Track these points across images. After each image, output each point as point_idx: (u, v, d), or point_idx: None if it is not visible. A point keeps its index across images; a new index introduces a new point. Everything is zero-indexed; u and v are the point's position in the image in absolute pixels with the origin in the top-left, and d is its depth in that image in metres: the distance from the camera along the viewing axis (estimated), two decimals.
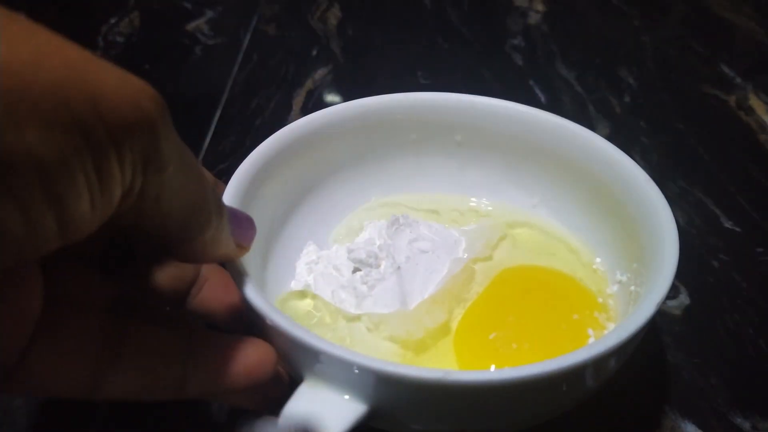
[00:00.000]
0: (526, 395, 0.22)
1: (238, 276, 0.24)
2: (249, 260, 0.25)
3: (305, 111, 0.49)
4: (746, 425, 0.29)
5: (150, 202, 0.17)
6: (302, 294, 0.31)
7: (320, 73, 0.55)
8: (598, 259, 0.32)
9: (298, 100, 0.51)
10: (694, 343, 0.33)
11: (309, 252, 0.32)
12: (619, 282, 0.30)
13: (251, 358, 0.22)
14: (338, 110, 0.33)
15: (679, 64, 0.56)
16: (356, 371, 0.21)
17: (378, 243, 0.32)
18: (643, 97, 0.52)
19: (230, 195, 0.27)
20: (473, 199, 0.36)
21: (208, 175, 0.26)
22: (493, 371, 0.21)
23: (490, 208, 0.36)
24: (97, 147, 0.14)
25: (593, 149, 0.31)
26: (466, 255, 0.32)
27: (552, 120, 0.33)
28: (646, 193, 0.28)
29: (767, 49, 0.59)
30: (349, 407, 0.22)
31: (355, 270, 0.31)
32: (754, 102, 0.50)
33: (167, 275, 0.26)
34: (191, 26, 0.61)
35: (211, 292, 0.27)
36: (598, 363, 0.22)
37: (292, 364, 0.24)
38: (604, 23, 0.63)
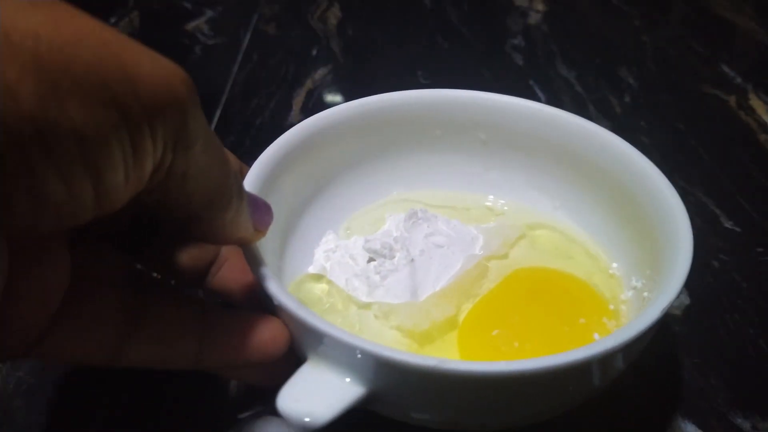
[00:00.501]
0: (518, 390, 0.22)
1: (252, 257, 0.25)
2: (266, 244, 0.26)
3: (305, 111, 0.49)
4: (746, 425, 0.29)
5: (177, 180, 0.18)
6: (318, 277, 0.31)
7: (320, 73, 0.55)
8: (614, 264, 0.32)
9: (298, 100, 0.51)
10: (694, 343, 0.33)
11: (328, 240, 0.33)
12: (634, 288, 0.30)
13: (265, 334, 0.24)
14: (364, 103, 0.33)
15: (679, 64, 0.56)
16: (355, 354, 0.22)
17: (394, 235, 0.32)
18: (643, 97, 0.52)
19: (251, 179, 0.28)
20: (494, 198, 0.36)
21: (233, 158, 0.27)
22: (485, 363, 0.21)
23: (510, 207, 0.36)
24: (133, 123, 0.15)
25: (617, 154, 0.31)
26: (482, 252, 0.32)
27: (578, 123, 0.32)
28: (666, 200, 0.28)
29: (767, 49, 0.59)
30: (347, 389, 0.22)
31: (370, 260, 0.32)
32: (754, 102, 0.50)
33: (188, 254, 0.27)
34: (191, 26, 0.61)
35: (229, 273, 0.28)
36: (589, 365, 0.22)
37: (295, 344, 0.24)
38: (604, 23, 0.63)
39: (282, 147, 0.30)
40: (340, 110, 0.33)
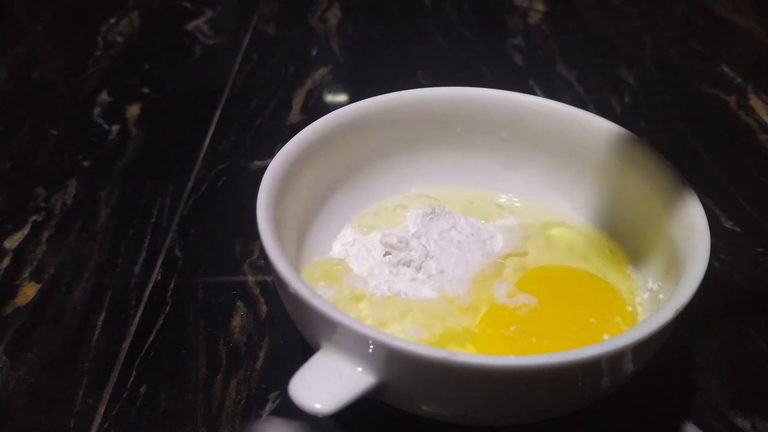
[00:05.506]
0: (527, 385, 0.23)
1: (269, 246, 0.25)
2: (285, 235, 0.26)
3: (305, 111, 0.49)
4: (746, 425, 0.29)
5: None
6: (333, 262, 0.32)
7: (320, 73, 0.55)
8: (631, 266, 0.32)
9: (298, 100, 0.51)
10: (694, 343, 0.32)
11: (345, 234, 0.34)
12: (650, 290, 0.30)
13: None
14: (385, 100, 0.34)
15: (679, 64, 0.56)
16: (367, 344, 0.22)
17: (412, 230, 0.33)
18: (643, 97, 0.52)
19: (272, 171, 0.28)
20: (512, 196, 0.36)
21: None
22: (494, 357, 0.21)
23: (527, 206, 0.36)
24: None
25: (638, 156, 0.31)
26: (500, 250, 0.32)
27: (600, 124, 0.32)
28: (685, 204, 0.28)
29: (767, 49, 0.59)
30: (359, 378, 0.23)
31: (386, 254, 0.32)
32: (754, 102, 0.50)
33: None
34: (191, 26, 0.61)
35: None
36: (598, 363, 0.22)
37: (309, 333, 0.25)
38: (604, 23, 0.63)
39: (303, 141, 0.31)
40: (361, 106, 0.33)
